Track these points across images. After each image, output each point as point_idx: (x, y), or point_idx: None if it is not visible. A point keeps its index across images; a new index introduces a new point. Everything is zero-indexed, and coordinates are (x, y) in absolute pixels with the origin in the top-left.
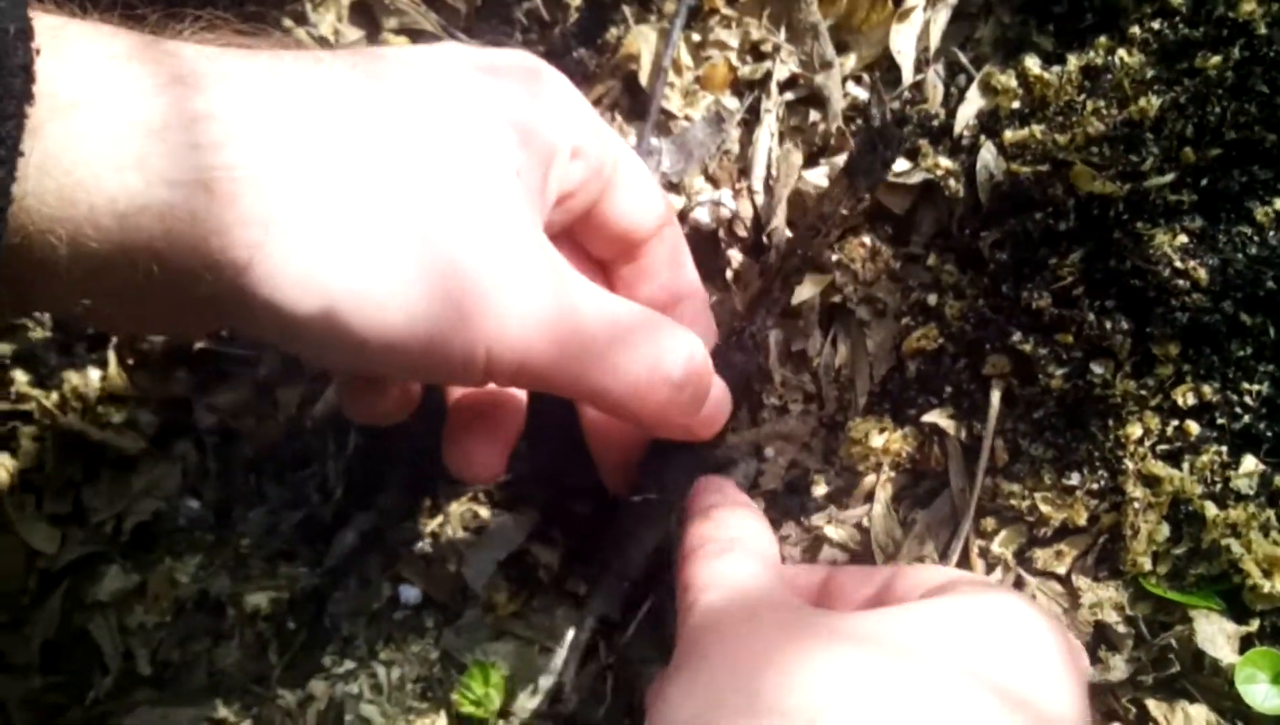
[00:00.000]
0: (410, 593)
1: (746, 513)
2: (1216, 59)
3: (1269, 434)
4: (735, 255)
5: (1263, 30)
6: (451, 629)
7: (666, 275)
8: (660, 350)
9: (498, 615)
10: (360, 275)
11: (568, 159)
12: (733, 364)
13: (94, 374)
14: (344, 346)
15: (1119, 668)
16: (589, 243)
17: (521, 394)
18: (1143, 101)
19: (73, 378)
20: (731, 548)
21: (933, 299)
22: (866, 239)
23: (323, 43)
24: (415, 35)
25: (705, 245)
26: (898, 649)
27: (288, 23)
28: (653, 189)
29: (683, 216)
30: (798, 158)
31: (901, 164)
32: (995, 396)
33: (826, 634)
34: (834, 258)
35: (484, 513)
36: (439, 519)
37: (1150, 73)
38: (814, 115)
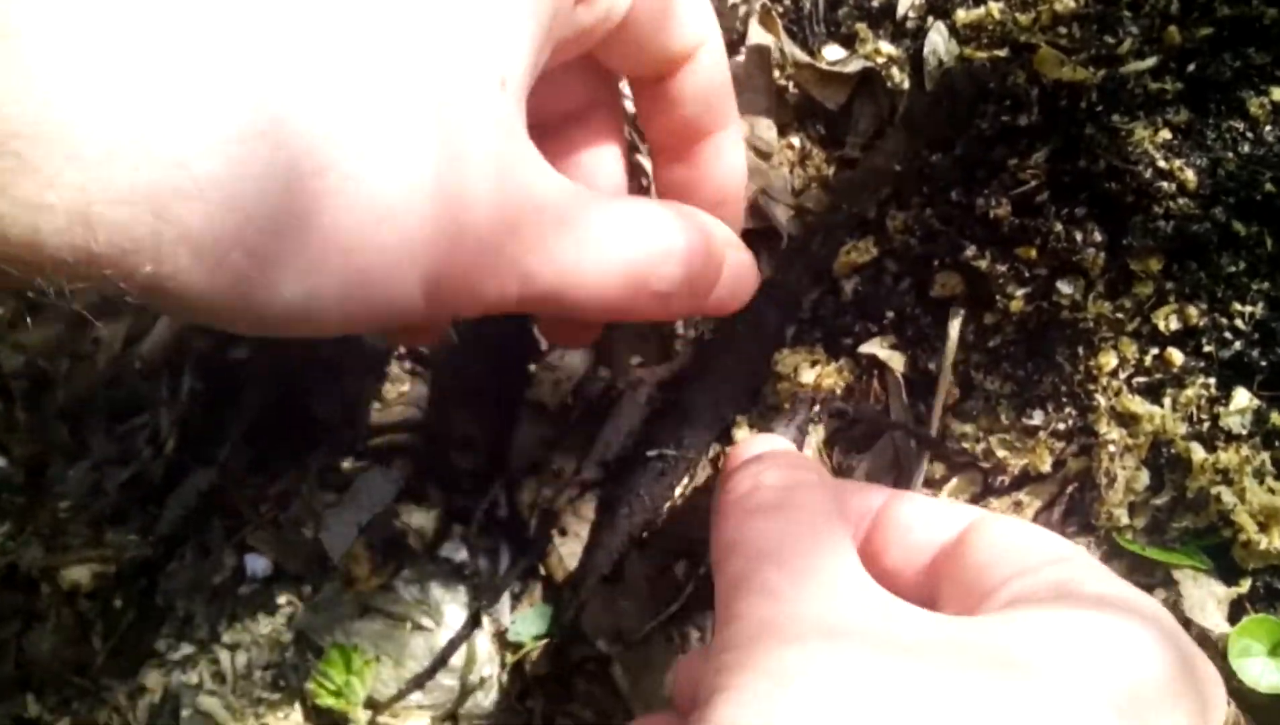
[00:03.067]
0: (258, 563)
1: (798, 456)
2: None
3: (1264, 363)
4: (643, 160)
5: None
6: (308, 606)
7: (690, 110)
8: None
9: (361, 590)
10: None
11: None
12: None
13: None
14: None
15: None
16: (608, 59)
17: None
18: None
19: None
20: (790, 499)
21: (870, 210)
22: (795, 140)
23: None
24: None
25: None
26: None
27: None
28: (685, 8)
29: None
30: None
31: (835, 51)
32: (954, 327)
33: (935, 671)
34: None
35: (346, 465)
36: (292, 476)
37: None
38: None
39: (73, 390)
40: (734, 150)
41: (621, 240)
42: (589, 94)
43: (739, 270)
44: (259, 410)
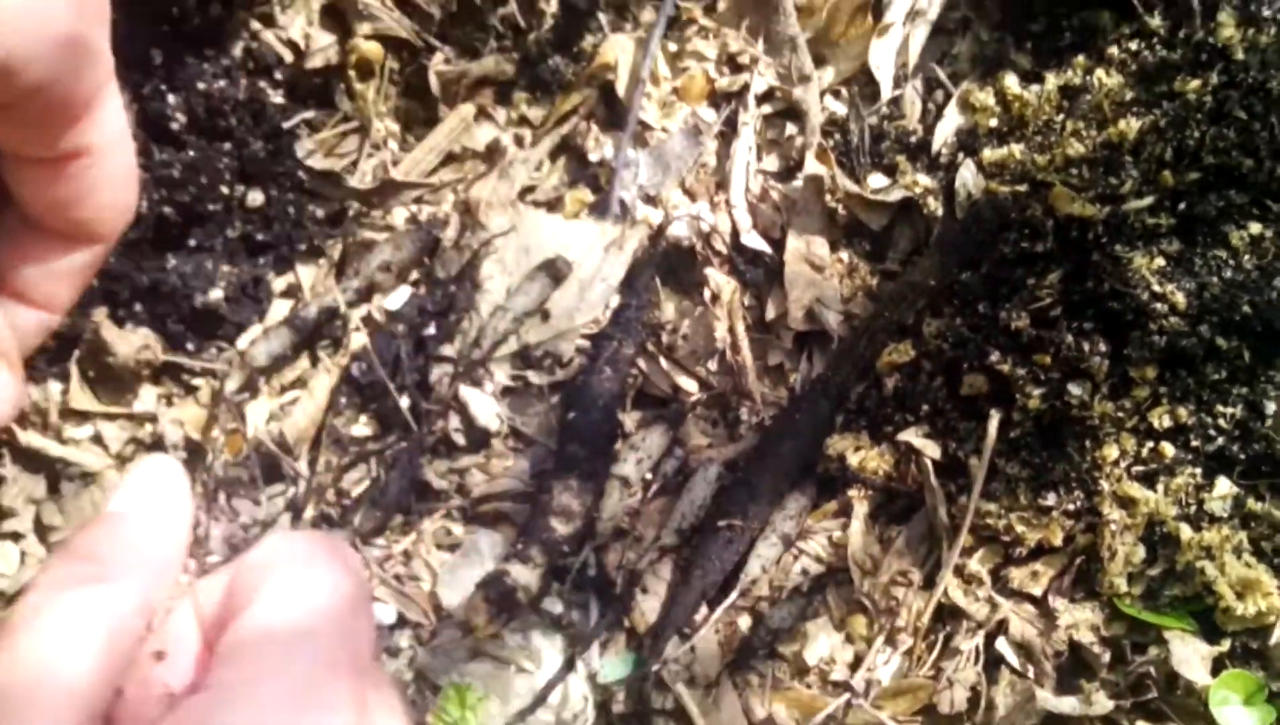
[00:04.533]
0: (384, 612)
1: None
2: (1195, 83)
3: (1242, 456)
4: (713, 273)
5: (1240, 55)
6: (426, 649)
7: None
8: None
9: (478, 637)
10: None
11: None
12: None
13: None
14: None
15: (1101, 702)
16: None
17: None
18: (1122, 124)
19: None
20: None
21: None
22: (844, 255)
23: (292, 47)
24: (387, 41)
25: (682, 263)
26: None
27: (255, 25)
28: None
29: (660, 231)
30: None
31: (879, 180)
32: (992, 425)
33: None
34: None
35: (458, 530)
36: (412, 537)
37: (1129, 95)
38: (791, 129)
39: (225, 461)
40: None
41: None
42: None
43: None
44: (384, 480)
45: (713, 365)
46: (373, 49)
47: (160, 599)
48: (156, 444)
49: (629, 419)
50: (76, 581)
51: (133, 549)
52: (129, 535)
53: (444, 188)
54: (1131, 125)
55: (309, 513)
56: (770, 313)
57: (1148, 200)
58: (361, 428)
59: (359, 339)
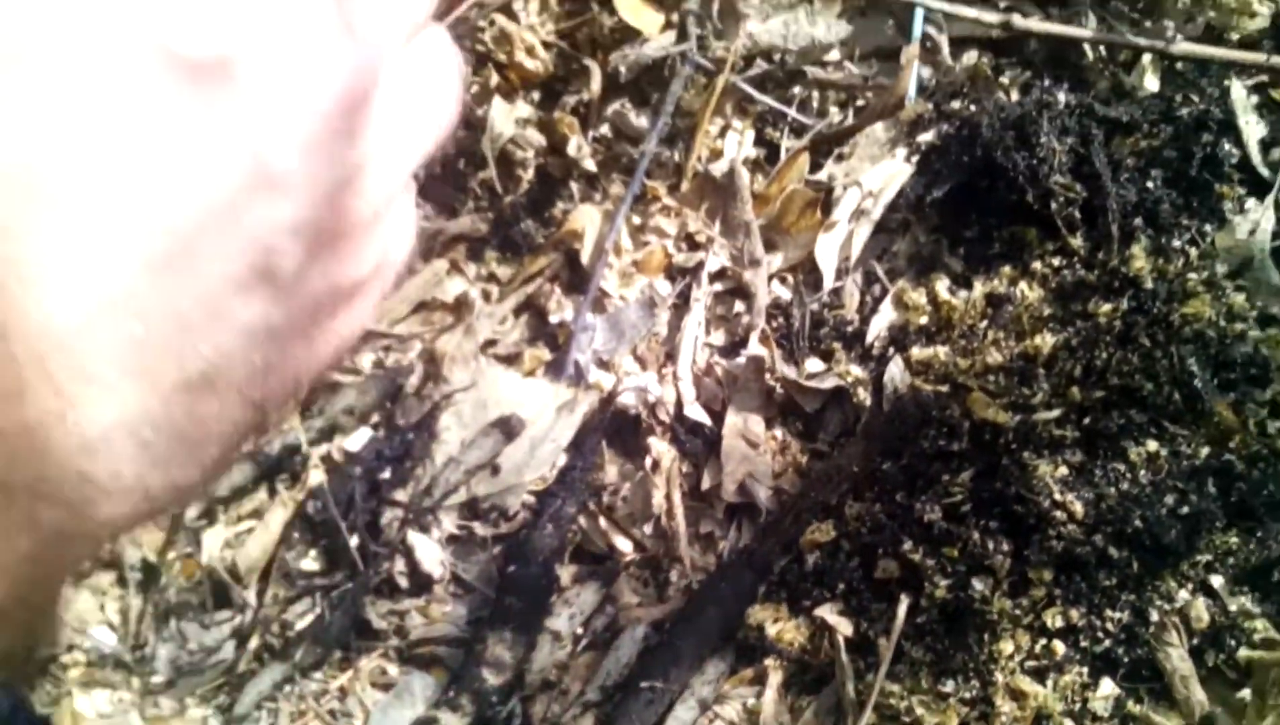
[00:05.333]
0: None
1: None
2: (1107, 307)
3: (1126, 659)
4: (656, 442)
5: (1149, 285)
6: None
7: None
8: None
9: None
10: None
11: None
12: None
13: None
14: None
15: None
16: None
17: None
18: (1038, 338)
19: None
20: None
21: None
22: (777, 432)
23: None
24: None
25: (628, 428)
26: None
27: None
28: None
29: (610, 398)
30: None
31: (815, 364)
32: (901, 609)
33: None
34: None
35: (393, 670)
36: (349, 673)
37: (1047, 310)
38: (739, 306)
39: (178, 584)
40: None
41: None
42: None
43: None
44: (327, 617)
45: (648, 528)
46: None
47: None
48: (113, 563)
49: (565, 572)
50: None
51: None
52: None
53: (412, 338)
54: (1047, 340)
55: (253, 642)
56: (706, 482)
57: (1056, 412)
58: (310, 562)
59: (316, 476)
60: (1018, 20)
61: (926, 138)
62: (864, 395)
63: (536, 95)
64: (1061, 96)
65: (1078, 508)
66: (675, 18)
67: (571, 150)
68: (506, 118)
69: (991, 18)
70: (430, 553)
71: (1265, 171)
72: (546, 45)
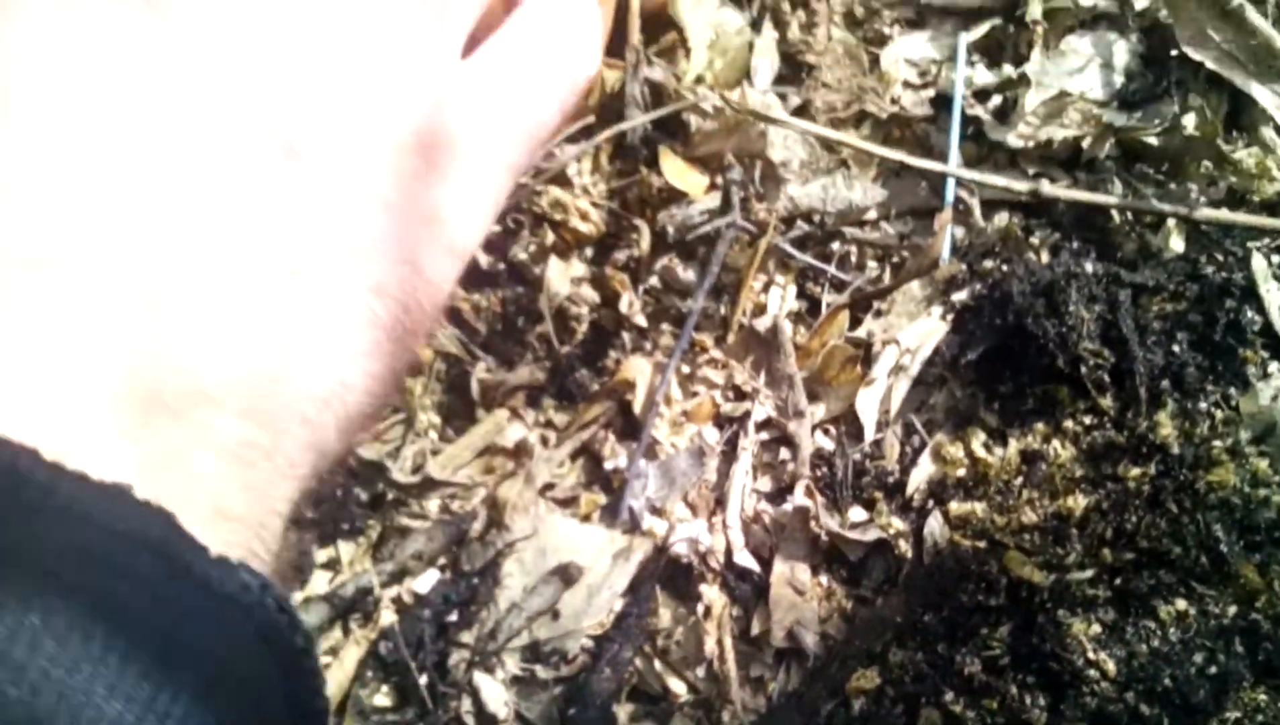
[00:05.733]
0: None
1: None
2: (1136, 471)
3: None
4: (707, 589)
5: (1176, 450)
6: None
7: None
8: None
9: None
10: None
11: None
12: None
13: None
14: None
15: None
16: None
17: None
18: (1070, 499)
19: None
20: None
21: (878, 645)
22: (823, 579)
23: None
24: (437, 350)
25: (680, 575)
26: None
27: None
28: None
29: (663, 547)
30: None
31: (858, 513)
32: None
33: None
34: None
35: None
36: None
37: (1079, 471)
38: (784, 453)
39: None
40: None
41: None
42: None
43: None
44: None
45: (701, 671)
46: (425, 354)
47: None
48: None
49: (622, 711)
50: None
51: None
52: None
53: (476, 486)
54: (1079, 502)
55: None
56: (755, 628)
57: (1089, 572)
58: (382, 698)
59: (388, 617)
60: (1046, 187)
61: (961, 297)
62: (905, 547)
63: (589, 251)
64: (1089, 266)
65: (1110, 666)
66: (720, 180)
67: (623, 306)
68: (562, 276)
69: (1020, 186)
70: (495, 693)
71: None
72: (597, 205)
